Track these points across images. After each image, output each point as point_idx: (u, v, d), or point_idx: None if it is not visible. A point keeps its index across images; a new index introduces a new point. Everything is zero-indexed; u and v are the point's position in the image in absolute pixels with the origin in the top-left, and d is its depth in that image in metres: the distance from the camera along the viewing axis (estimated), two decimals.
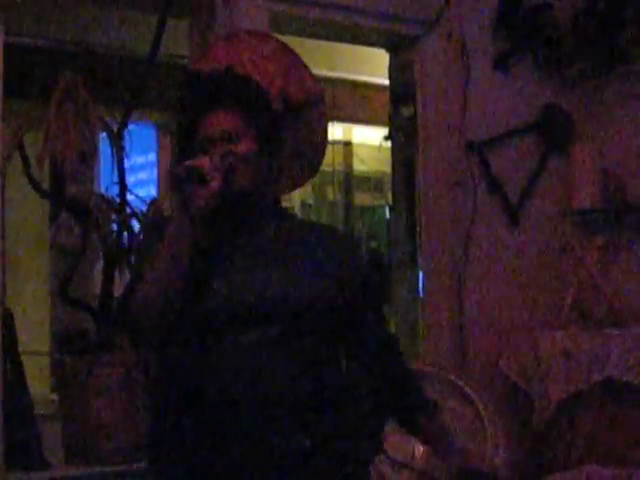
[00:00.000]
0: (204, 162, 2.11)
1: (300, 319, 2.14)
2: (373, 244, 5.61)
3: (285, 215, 2.40)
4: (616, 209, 4.61)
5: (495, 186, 4.48)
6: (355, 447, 2.23)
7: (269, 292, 2.15)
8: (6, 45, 3.28)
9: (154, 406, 2.74)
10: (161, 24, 3.50)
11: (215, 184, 2.08)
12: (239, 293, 2.15)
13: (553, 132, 4.69)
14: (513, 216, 4.54)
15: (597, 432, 4.04)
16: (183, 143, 2.30)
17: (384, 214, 5.30)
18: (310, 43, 4.13)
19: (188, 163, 2.17)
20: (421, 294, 4.50)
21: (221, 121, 2.20)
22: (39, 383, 3.65)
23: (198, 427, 2.16)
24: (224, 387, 2.13)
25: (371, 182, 6.19)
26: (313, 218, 5.91)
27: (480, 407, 3.55)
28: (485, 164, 4.45)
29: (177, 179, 2.24)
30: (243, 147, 2.18)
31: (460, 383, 3.67)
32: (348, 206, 6.78)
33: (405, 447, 3.33)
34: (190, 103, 2.34)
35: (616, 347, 4.00)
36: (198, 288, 2.15)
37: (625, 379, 3.96)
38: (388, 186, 5.25)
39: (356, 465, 2.21)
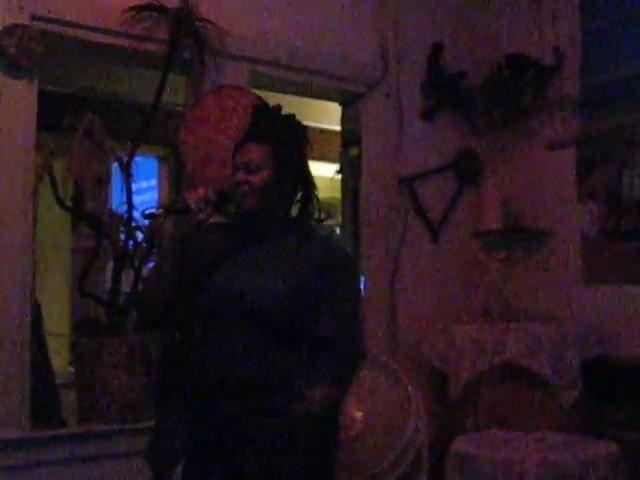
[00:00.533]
0: (192, 196, 2.13)
1: (255, 316, 2.14)
2: None
3: (289, 230, 2.31)
4: (513, 231, 4.62)
5: (421, 211, 4.52)
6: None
7: (238, 294, 2.15)
8: (40, 91, 3.27)
9: (161, 367, 2.79)
10: (163, 78, 3.51)
11: (202, 215, 2.12)
12: (217, 293, 2.18)
13: (466, 171, 4.72)
14: (434, 235, 4.58)
15: (496, 403, 4.08)
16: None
17: (335, 231, 5.34)
18: (280, 96, 4.16)
19: (180, 197, 2.20)
20: (363, 293, 4.42)
21: (250, 152, 2.19)
22: (59, 359, 3.66)
23: (189, 382, 2.24)
24: (200, 360, 2.20)
25: (325, 206, 6.11)
26: None
27: (405, 383, 3.61)
28: (413, 194, 4.48)
29: (167, 211, 2.29)
30: (258, 178, 2.17)
31: (390, 363, 3.73)
32: None
33: None
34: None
35: (512, 338, 4.00)
36: (196, 287, 2.20)
37: (519, 362, 3.96)
38: (339, 210, 5.28)
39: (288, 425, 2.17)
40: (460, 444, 3.65)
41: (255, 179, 2.17)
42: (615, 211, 4.38)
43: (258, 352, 2.14)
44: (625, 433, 3.93)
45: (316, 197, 2.36)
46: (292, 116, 2.33)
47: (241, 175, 2.18)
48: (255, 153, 2.19)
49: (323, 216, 2.44)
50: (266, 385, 2.14)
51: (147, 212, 2.36)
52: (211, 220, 2.22)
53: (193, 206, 2.11)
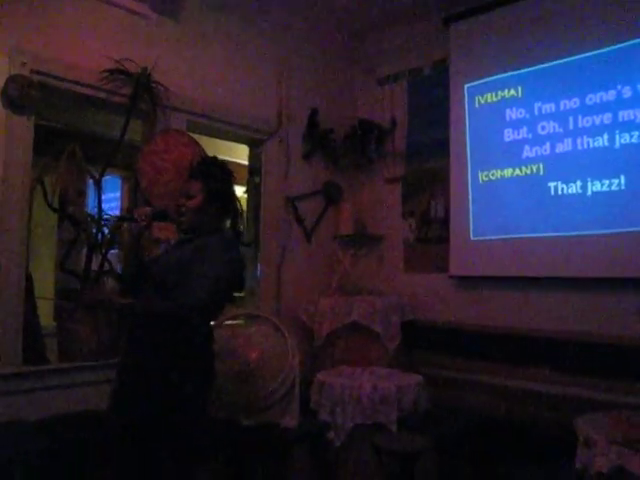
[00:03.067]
0: (138, 212, 2.22)
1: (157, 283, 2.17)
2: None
3: (208, 235, 2.25)
4: (360, 235, 4.68)
5: (300, 221, 4.54)
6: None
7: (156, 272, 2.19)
8: (36, 125, 3.15)
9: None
10: (126, 121, 3.42)
11: (142, 224, 2.20)
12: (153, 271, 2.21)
13: (330, 195, 4.75)
14: (308, 237, 4.60)
15: (345, 349, 4.12)
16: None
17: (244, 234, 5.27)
18: (207, 139, 4.11)
19: (130, 212, 2.31)
20: (259, 275, 4.45)
21: (190, 185, 2.24)
22: (47, 316, 3.50)
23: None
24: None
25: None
26: None
27: (286, 334, 3.52)
28: (295, 209, 4.50)
29: (120, 219, 2.37)
30: (192, 203, 2.22)
31: (277, 321, 3.65)
32: None
33: None
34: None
35: (357, 306, 4.07)
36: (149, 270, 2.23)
37: (361, 322, 4.04)
38: (245, 219, 5.21)
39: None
40: (321, 375, 3.70)
41: (190, 203, 2.23)
42: (425, 225, 4.52)
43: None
44: (426, 369, 4.08)
45: (241, 216, 2.38)
46: (221, 162, 2.37)
47: (182, 199, 2.25)
48: (192, 186, 2.25)
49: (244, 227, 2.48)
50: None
51: (109, 218, 2.46)
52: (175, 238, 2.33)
53: (136, 217, 2.20)
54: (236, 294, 4.30)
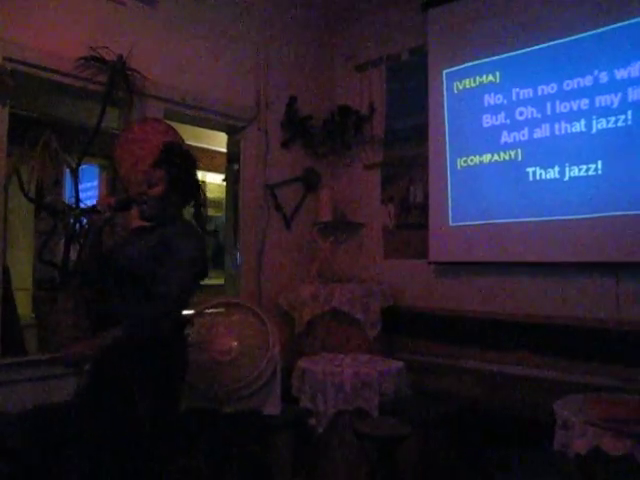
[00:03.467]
0: (101, 203, 2.22)
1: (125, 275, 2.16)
2: (217, 236, 5.39)
3: (171, 223, 2.26)
4: (339, 222, 4.69)
5: (279, 208, 4.52)
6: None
7: (119, 264, 2.19)
8: (11, 114, 3.09)
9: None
10: (103, 109, 3.37)
11: (106, 215, 2.20)
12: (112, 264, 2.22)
13: (309, 182, 4.73)
14: (287, 224, 4.58)
15: (326, 336, 4.13)
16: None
17: (222, 220, 5.24)
18: (185, 127, 4.08)
19: (96, 202, 2.30)
20: (238, 263, 4.44)
21: (153, 173, 2.24)
22: (25, 307, 3.45)
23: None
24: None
25: (216, 203, 5.94)
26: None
27: (267, 322, 3.54)
28: (274, 196, 4.48)
29: (84, 211, 2.36)
30: (154, 191, 2.22)
31: (257, 309, 3.66)
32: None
33: None
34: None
35: (337, 293, 4.08)
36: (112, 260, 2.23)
37: (342, 309, 4.06)
38: (224, 205, 5.21)
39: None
40: (302, 362, 3.71)
41: (152, 191, 2.23)
42: (404, 211, 4.53)
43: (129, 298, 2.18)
44: (407, 354, 4.13)
45: (204, 204, 2.38)
46: (185, 150, 2.36)
47: (144, 187, 2.25)
48: (155, 174, 2.24)
49: (209, 215, 2.48)
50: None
51: (78, 210, 2.48)
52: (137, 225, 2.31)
53: (99, 208, 2.19)
54: (215, 283, 4.29)
